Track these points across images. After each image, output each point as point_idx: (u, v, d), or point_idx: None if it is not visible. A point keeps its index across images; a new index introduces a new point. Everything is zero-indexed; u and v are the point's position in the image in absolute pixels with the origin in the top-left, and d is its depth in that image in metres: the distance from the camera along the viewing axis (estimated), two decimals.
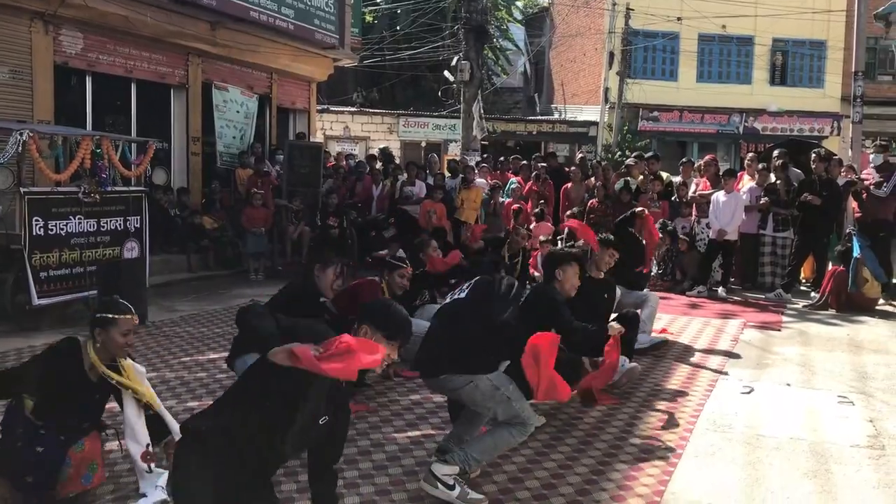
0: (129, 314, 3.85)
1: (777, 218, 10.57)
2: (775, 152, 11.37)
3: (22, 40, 9.78)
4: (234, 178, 12.78)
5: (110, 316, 3.81)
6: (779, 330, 8.22)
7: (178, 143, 12.67)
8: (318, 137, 18.81)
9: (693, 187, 11.37)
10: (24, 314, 7.53)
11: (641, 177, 11.76)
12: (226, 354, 5.36)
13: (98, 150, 8.35)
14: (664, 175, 11.81)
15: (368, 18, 25.87)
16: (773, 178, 10.79)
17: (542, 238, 10.77)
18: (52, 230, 7.65)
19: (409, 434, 4.84)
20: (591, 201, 11.72)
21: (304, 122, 16.24)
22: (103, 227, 8.18)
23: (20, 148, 7.54)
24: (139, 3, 10.77)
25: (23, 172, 7.96)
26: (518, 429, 4.03)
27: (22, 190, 7.47)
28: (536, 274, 9.93)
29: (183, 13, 11.55)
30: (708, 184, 11.08)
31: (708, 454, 4.60)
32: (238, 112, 13.65)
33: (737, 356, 7.00)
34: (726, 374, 6.38)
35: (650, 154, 13.04)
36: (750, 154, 12.92)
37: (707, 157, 12.04)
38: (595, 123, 25.24)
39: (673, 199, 11.41)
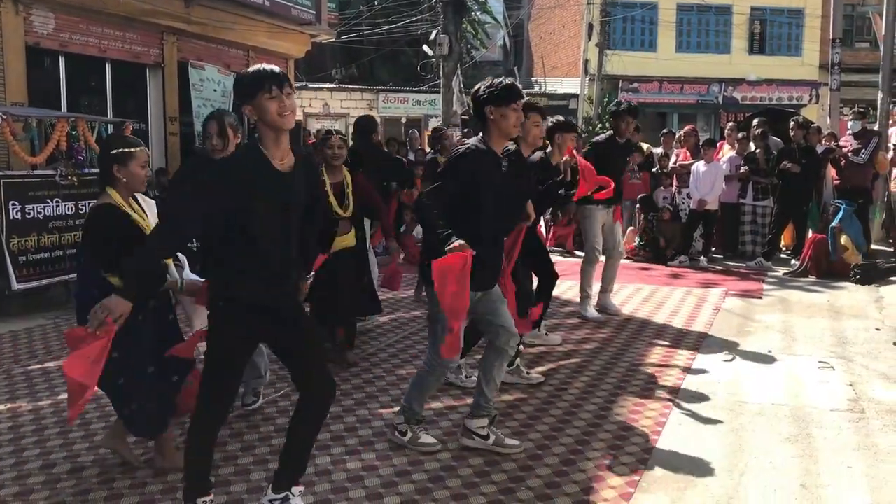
0: (141, 145, 3.88)
1: (757, 186, 10.64)
2: (755, 121, 11.42)
3: None
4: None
5: (128, 150, 3.79)
6: (760, 298, 8.30)
7: (155, 123, 12.52)
8: (298, 115, 18.63)
9: (673, 158, 11.40)
10: (4, 299, 7.46)
11: None
12: None
13: (74, 132, 8.26)
14: (645, 146, 11.83)
15: None
16: (752, 146, 10.84)
17: None
18: (29, 214, 7.57)
19: (396, 410, 4.85)
20: None
21: None
22: (81, 209, 8.08)
23: None
24: None
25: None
26: (430, 363, 4.13)
27: None
28: None
29: None
30: (688, 154, 11.11)
31: (691, 422, 4.65)
32: (215, 91, 13.49)
33: (719, 325, 7.06)
34: (708, 342, 6.44)
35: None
36: (730, 123, 12.98)
37: (686, 128, 12.07)
38: (575, 96, 25.19)
39: (654, 169, 11.44)
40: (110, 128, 9.26)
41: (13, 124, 7.93)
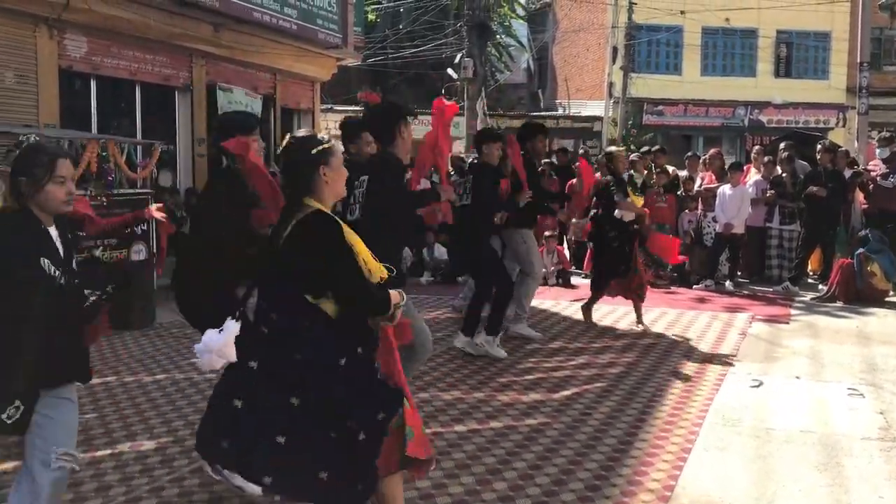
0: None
1: (783, 211, 10.55)
2: (781, 145, 11.35)
3: (27, 45, 9.79)
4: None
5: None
6: (787, 323, 8.21)
7: (183, 144, 12.68)
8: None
9: (698, 181, 11.36)
10: None
11: (646, 171, 11.76)
12: None
13: (104, 154, 8.39)
14: (670, 169, 11.80)
15: (371, 17, 25.85)
16: (779, 170, 10.77)
17: (546, 233, 10.83)
18: None
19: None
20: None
21: (308, 122, 16.23)
22: None
23: None
24: (143, 5, 10.78)
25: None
26: None
27: None
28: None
29: (186, 15, 11.56)
30: (713, 177, 11.06)
31: (718, 448, 4.59)
32: None
33: (745, 350, 6.99)
34: (735, 367, 6.37)
35: (656, 148, 13.01)
36: (756, 147, 12.91)
37: (712, 151, 12.03)
38: (599, 118, 25.22)
39: (679, 193, 11.38)
40: (139, 149, 9.39)
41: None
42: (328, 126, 22.44)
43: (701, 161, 11.91)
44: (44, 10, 9.75)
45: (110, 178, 8.34)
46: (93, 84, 11.08)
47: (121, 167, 8.52)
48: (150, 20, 10.98)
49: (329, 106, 22.79)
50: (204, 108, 12.81)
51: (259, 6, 12.42)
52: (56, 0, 9.62)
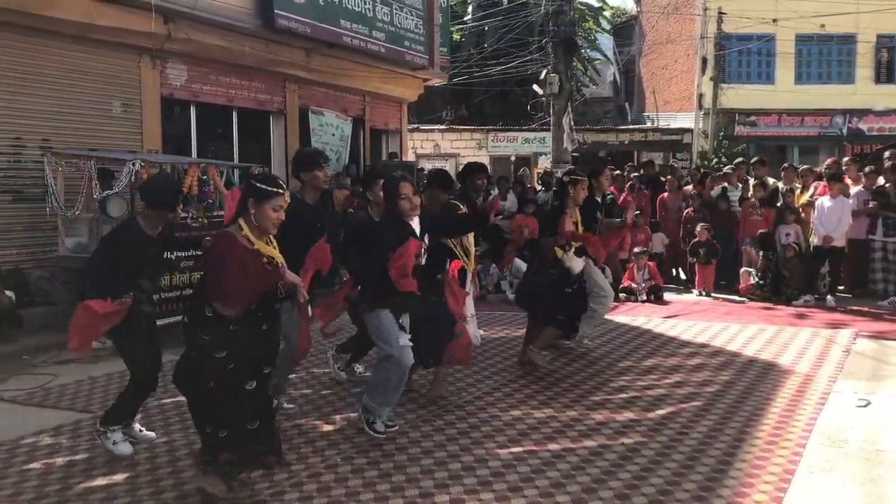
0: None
1: (887, 222, 10.09)
2: (886, 153, 10.88)
3: (132, 75, 10.32)
4: (332, 199, 13.07)
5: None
6: (895, 340, 7.84)
7: (277, 167, 13.07)
8: (410, 156, 19.09)
9: (811, 190, 10.92)
10: None
11: (741, 185, 11.48)
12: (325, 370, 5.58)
13: (204, 177, 8.73)
14: (770, 181, 11.46)
15: (456, 37, 26.13)
16: (881, 180, 10.32)
17: (637, 249, 10.70)
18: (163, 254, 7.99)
19: (512, 450, 4.84)
20: (686, 210, 11.56)
21: (396, 142, 16.51)
22: None
23: (133, 177, 7.95)
24: (239, 34, 11.21)
25: (136, 200, 8.37)
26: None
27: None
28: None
29: (279, 42, 11.97)
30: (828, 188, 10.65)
31: (824, 470, 4.42)
32: (333, 135, 14.00)
33: (850, 367, 6.71)
34: (839, 386, 6.12)
35: (755, 159, 12.68)
36: (846, 158, 12.46)
37: (828, 161, 11.66)
38: (689, 130, 24.74)
39: (778, 204, 11.00)
40: (237, 172, 9.74)
41: (149, 171, 8.45)
42: (414, 145, 22.79)
43: (799, 171, 11.55)
44: (147, 41, 10.26)
45: (210, 201, 8.68)
46: (192, 110, 11.58)
47: (220, 190, 8.86)
48: (246, 48, 11.41)
49: (415, 125, 23.10)
50: (297, 131, 13.20)
51: (349, 31, 12.74)
52: (159, 32, 10.11)
